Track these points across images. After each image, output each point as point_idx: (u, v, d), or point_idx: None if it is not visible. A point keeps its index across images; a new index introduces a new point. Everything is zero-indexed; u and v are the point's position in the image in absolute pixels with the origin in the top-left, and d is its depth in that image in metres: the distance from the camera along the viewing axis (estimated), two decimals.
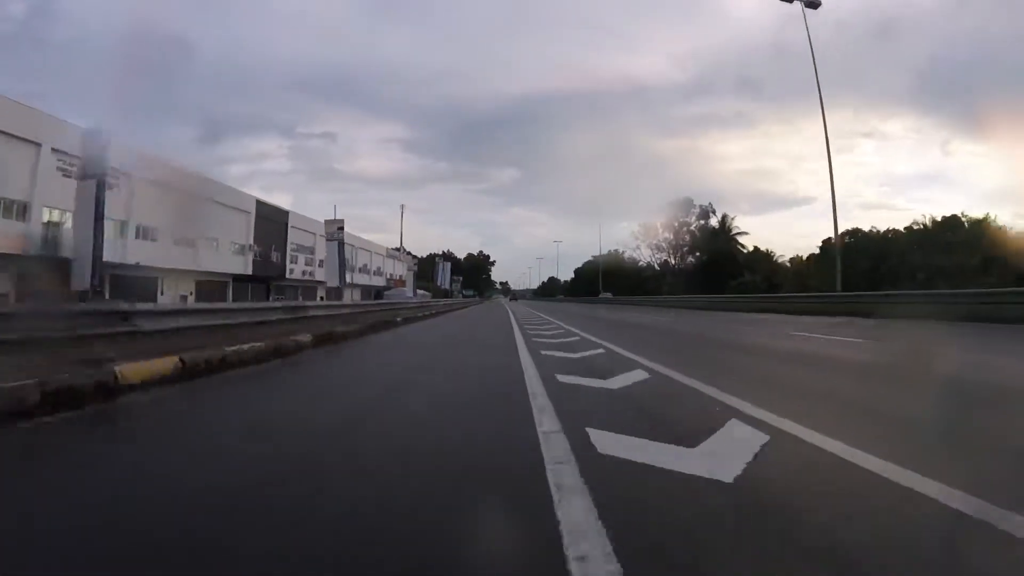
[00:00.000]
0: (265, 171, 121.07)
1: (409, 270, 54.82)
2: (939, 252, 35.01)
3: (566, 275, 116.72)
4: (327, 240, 20.33)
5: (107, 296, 15.05)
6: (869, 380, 4.78)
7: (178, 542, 1.57)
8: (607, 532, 1.53)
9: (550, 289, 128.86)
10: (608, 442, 2.48)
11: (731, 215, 67.66)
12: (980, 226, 38.65)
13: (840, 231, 25.47)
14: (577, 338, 9.09)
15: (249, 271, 38.14)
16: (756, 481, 1.98)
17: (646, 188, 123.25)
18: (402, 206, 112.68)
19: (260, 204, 39.44)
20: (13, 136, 24.18)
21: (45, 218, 26.13)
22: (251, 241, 37.64)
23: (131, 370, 3.96)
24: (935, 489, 1.81)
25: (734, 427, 2.76)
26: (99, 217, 13.29)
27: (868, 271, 38.60)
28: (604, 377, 4.63)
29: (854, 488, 1.93)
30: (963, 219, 41.57)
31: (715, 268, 55.47)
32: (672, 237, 71.49)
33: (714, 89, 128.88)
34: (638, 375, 4.72)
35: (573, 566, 1.35)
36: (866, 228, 48.50)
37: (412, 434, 2.93)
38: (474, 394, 4.30)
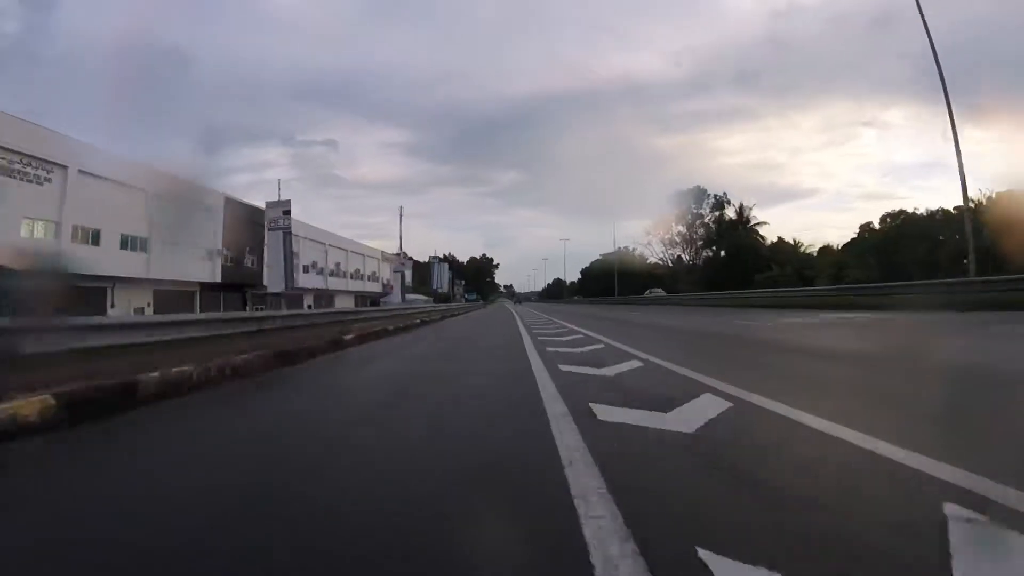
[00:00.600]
0: (268, 180, 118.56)
1: (395, 271, 49.85)
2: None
3: (572, 276, 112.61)
4: (268, 229, 15.79)
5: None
6: None
7: None
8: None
9: (556, 291, 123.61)
10: None
11: (748, 205, 63.00)
12: None
13: (863, 219, 20.81)
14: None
15: (218, 278, 33.72)
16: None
17: (649, 186, 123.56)
18: (400, 207, 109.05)
19: (231, 203, 35.02)
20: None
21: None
22: (219, 245, 33.25)
23: None
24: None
25: None
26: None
27: (923, 257, 33.64)
28: None
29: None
30: None
31: (738, 262, 50.75)
32: (685, 231, 66.84)
33: (712, 84, 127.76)
34: None
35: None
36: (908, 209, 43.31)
37: None
38: None
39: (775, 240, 58.69)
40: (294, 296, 47.22)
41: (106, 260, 26.98)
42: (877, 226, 42.78)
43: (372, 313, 16.44)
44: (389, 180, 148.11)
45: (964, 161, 16.02)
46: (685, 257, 66.42)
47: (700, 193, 65.70)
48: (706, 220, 64.98)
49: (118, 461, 2.57)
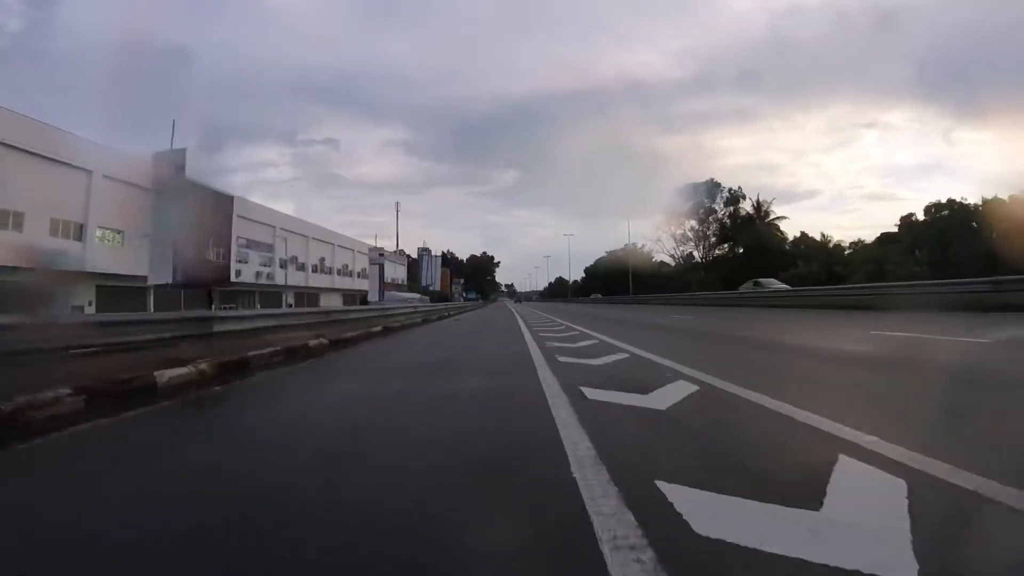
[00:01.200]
0: (267, 179, 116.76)
1: (372, 263, 45.07)
2: None
3: (576, 274, 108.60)
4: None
5: None
6: None
7: None
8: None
9: (559, 289, 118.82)
10: None
11: (766, 199, 58.54)
12: None
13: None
14: None
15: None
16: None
17: (648, 186, 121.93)
18: (397, 203, 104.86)
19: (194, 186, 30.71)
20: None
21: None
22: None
23: None
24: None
25: None
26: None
27: (983, 250, 29.12)
28: None
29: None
30: None
31: (759, 258, 46.39)
32: (697, 226, 62.44)
33: (713, 85, 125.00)
34: None
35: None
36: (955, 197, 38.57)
37: None
38: None
39: (797, 235, 54.39)
40: (272, 293, 43.07)
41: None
42: (921, 217, 38.32)
43: (290, 318, 12.10)
44: (389, 179, 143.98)
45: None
46: (697, 254, 62.19)
47: (713, 187, 61.39)
48: (720, 216, 60.74)
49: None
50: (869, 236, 48.57)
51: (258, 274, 39.01)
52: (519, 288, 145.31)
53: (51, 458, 2.77)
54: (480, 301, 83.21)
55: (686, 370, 4.65)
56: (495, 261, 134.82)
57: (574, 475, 2.13)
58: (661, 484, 1.95)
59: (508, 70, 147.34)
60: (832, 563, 1.40)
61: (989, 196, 34.13)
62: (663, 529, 1.64)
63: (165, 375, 4.52)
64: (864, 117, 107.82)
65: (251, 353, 6.14)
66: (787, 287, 27.10)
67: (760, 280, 29.47)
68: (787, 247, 50.43)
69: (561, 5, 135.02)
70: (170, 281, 11.27)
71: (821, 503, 1.77)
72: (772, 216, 57.80)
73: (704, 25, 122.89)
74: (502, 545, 1.61)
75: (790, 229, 57.24)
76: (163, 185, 11.92)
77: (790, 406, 3.10)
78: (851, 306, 15.15)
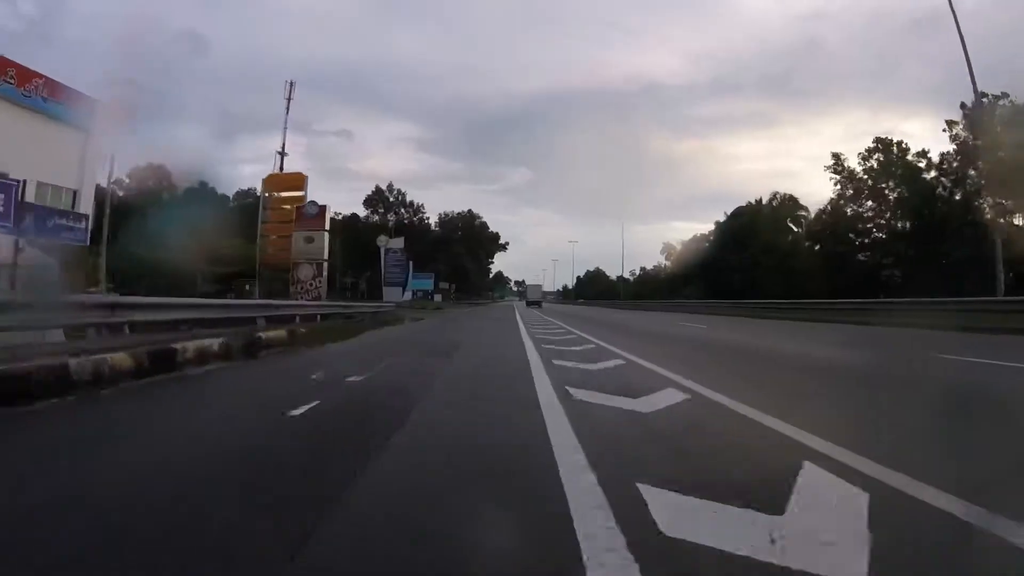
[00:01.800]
0: (276, 170, 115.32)
1: None
2: None
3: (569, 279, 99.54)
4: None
5: None
6: None
7: None
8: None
9: (595, 288, 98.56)
10: None
11: None
12: None
13: None
14: None
15: None
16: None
17: (661, 189, 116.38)
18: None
19: None
20: None
21: None
22: None
23: None
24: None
25: None
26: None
27: None
28: None
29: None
30: None
31: None
32: (956, 151, 32.86)
33: (730, 88, 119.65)
34: None
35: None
36: None
37: None
38: None
39: None
40: None
41: None
42: None
43: None
44: (400, 174, 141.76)
45: None
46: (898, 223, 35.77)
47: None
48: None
49: None
50: None
51: None
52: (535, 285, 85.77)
53: None
54: (432, 297, 52.19)
55: None
56: (501, 241, 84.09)
57: None
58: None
59: (521, 67, 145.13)
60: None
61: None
62: None
63: None
64: (881, 126, 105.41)
65: None
66: None
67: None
68: None
69: (577, 3, 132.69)
70: None
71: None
72: None
73: (721, 28, 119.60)
74: None
75: None
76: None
77: None
78: None
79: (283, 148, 28.11)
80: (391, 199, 70.29)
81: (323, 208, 25.86)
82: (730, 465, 2.41)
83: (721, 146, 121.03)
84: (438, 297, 54.36)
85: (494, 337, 12.24)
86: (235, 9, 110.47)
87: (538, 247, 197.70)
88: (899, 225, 36.45)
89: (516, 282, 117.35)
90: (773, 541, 1.58)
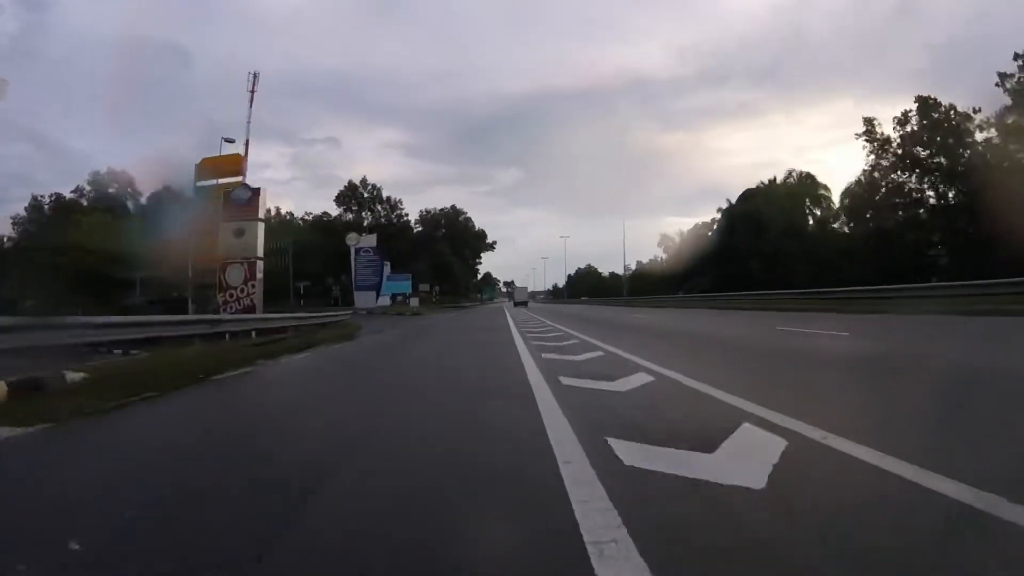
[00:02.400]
0: (264, 180, 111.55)
1: None
2: None
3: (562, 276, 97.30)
4: None
5: None
6: None
7: None
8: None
9: (576, 287, 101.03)
10: None
11: None
12: None
13: None
14: None
15: None
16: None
17: (652, 184, 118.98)
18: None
19: None
20: None
21: None
22: None
23: None
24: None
25: None
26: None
27: None
28: None
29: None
30: None
31: None
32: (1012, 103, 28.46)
33: (715, 80, 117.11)
34: None
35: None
36: None
37: None
38: None
39: None
40: None
41: None
42: None
43: None
44: (389, 180, 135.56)
45: None
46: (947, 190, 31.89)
47: None
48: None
49: None
50: None
51: None
52: (520, 286, 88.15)
53: None
54: (407, 299, 47.17)
55: None
56: (489, 241, 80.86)
57: None
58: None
59: (507, 67, 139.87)
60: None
61: None
62: None
63: None
64: (864, 113, 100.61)
65: None
66: None
67: None
68: None
69: (561, 0, 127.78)
70: None
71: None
72: None
73: (704, 20, 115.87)
74: None
75: None
76: None
77: None
78: None
79: (247, 144, 22.15)
80: (365, 195, 64.38)
81: (256, 191, 19.88)
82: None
83: (709, 139, 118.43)
84: (415, 301, 47.15)
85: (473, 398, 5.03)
86: (216, 19, 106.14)
87: (529, 247, 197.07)
88: (950, 195, 31.35)
89: (505, 283, 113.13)
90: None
